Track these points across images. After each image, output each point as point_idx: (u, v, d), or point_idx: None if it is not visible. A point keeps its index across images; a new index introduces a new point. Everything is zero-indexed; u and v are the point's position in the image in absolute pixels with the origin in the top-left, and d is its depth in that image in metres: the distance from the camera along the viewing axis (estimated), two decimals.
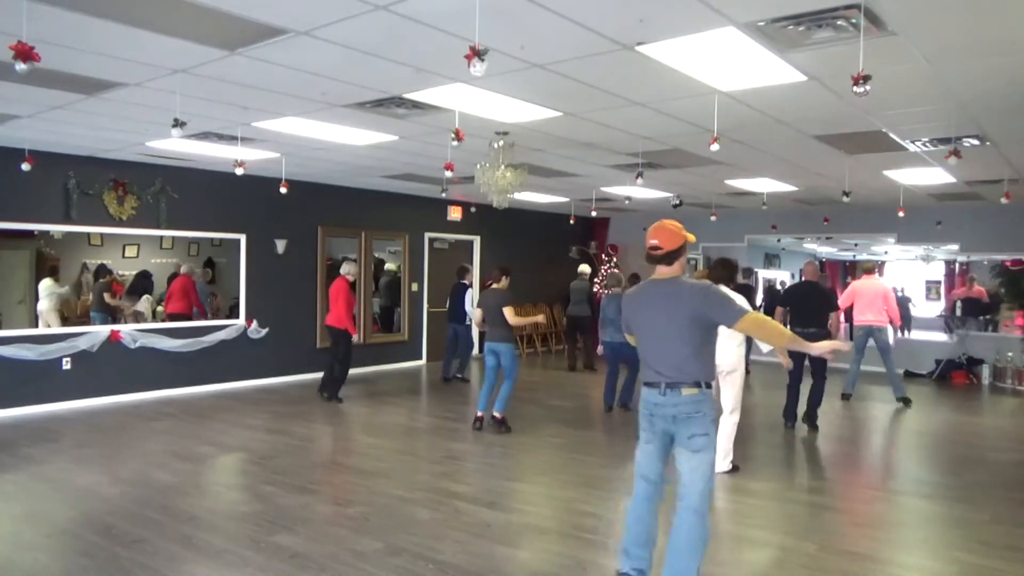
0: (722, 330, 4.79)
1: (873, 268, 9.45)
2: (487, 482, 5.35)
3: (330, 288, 8.48)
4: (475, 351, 11.10)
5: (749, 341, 5.84)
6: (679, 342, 3.23)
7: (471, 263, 12.72)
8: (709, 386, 3.27)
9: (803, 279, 7.92)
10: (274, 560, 3.81)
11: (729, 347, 5.43)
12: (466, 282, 9.99)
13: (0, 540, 4.15)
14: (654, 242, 3.32)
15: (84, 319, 8.86)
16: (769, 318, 3.30)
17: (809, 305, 7.40)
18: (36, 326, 8.21)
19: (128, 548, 3.96)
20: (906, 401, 8.77)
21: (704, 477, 3.20)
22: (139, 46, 4.08)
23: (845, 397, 9.04)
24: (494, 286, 7.26)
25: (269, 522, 4.38)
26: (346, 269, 8.37)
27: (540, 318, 8.08)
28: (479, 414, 7.10)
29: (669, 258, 3.31)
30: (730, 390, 5.62)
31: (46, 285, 8.55)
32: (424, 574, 3.68)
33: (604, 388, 8.17)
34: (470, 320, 9.90)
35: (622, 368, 8.08)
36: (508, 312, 6.87)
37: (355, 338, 8.28)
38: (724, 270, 5.85)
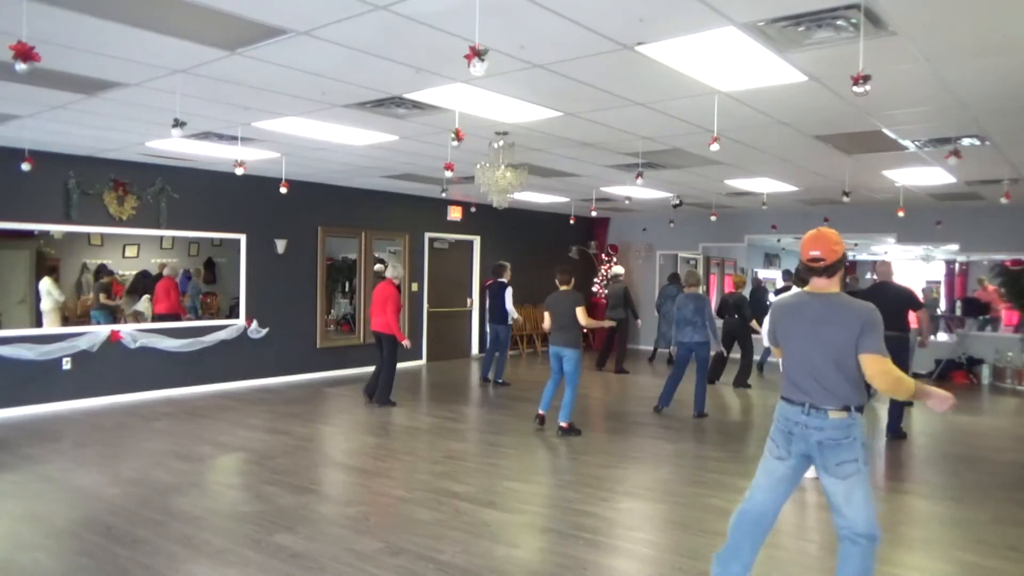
0: None
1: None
2: (487, 482, 5.35)
3: (374, 291, 8.21)
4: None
5: None
6: (833, 363, 3.01)
7: (471, 263, 12.74)
8: (860, 410, 3.05)
9: (877, 279, 7.44)
10: (274, 560, 3.82)
11: None
12: (504, 280, 9.82)
13: (0, 540, 4.15)
14: (815, 253, 3.10)
15: (84, 319, 8.86)
16: (898, 379, 3.01)
17: (885, 307, 6.87)
18: (40, 326, 8.21)
19: (128, 548, 3.96)
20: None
21: (865, 501, 2.98)
22: (139, 46, 4.08)
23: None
24: (563, 288, 7.07)
25: (269, 522, 4.38)
26: (392, 273, 8.13)
27: (607, 323, 8.64)
28: (540, 412, 7.16)
29: (830, 271, 3.10)
30: None
31: (45, 285, 8.55)
32: (424, 574, 3.68)
33: (663, 388, 8.09)
34: (512, 319, 9.85)
35: (687, 371, 8.02)
36: (581, 312, 6.79)
37: (407, 344, 8.13)
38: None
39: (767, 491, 3.20)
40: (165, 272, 9.45)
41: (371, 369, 8.60)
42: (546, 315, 7.14)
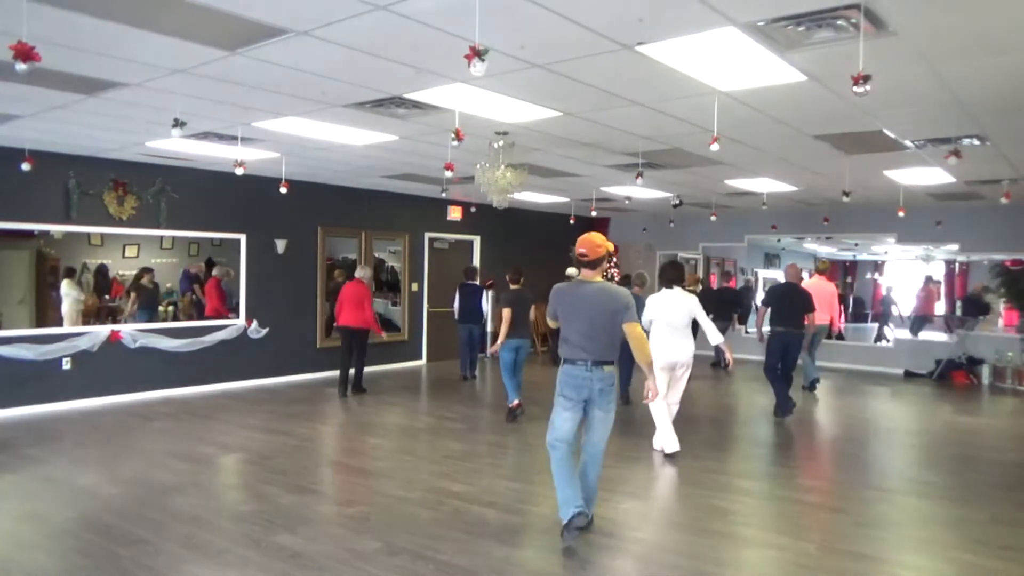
0: (677, 328, 6.09)
1: (826, 269, 9.77)
2: (487, 482, 5.35)
3: (345, 290, 8.72)
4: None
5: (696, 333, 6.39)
6: (604, 331, 4.05)
7: (471, 263, 12.74)
8: (614, 363, 4.13)
9: (786, 280, 8.25)
10: (274, 560, 3.81)
11: (687, 344, 6.06)
12: (476, 282, 10.11)
13: (0, 540, 4.15)
14: (582, 251, 4.13)
15: (85, 319, 8.84)
16: (643, 338, 4.14)
17: (787, 306, 7.72)
18: (44, 325, 8.16)
19: (128, 548, 3.96)
20: (811, 387, 9.42)
21: (609, 429, 4.17)
22: (139, 46, 4.09)
23: (810, 388, 9.47)
24: (514, 287, 7.58)
25: (269, 522, 4.38)
26: (360, 273, 8.85)
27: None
28: (517, 402, 7.47)
29: (593, 265, 4.15)
30: (682, 383, 6.20)
31: (67, 286, 8.53)
32: (424, 574, 3.68)
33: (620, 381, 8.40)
34: (487, 319, 10.02)
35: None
36: (534, 311, 7.35)
37: (384, 336, 9.02)
38: (674, 271, 6.25)
39: (570, 433, 4.11)
40: (215, 273, 9.52)
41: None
42: (506, 312, 7.40)
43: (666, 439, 6.05)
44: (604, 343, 4.05)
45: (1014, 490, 5.38)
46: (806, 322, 7.77)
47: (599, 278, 4.19)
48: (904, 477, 5.88)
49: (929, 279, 14.32)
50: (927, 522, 4.78)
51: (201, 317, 9.28)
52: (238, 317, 9.40)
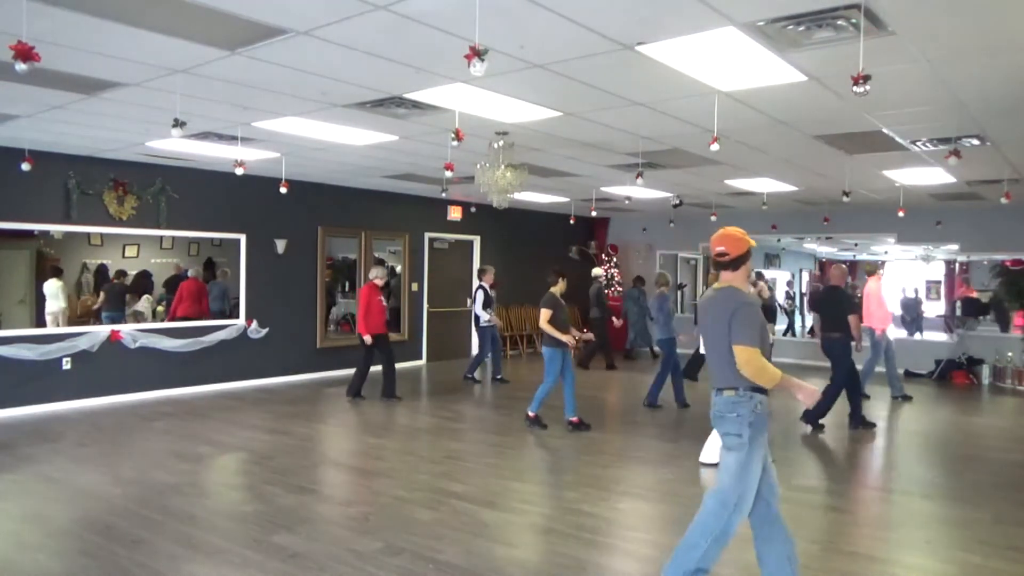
0: None
1: (873, 271, 9.48)
2: (487, 482, 5.35)
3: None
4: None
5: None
6: (717, 348, 3.29)
7: (471, 263, 12.74)
8: (755, 391, 3.22)
9: (829, 283, 7.81)
10: (274, 560, 3.81)
11: None
12: (480, 282, 10.11)
13: (0, 540, 4.15)
14: (721, 248, 3.33)
15: (84, 319, 8.85)
16: (755, 362, 3.16)
17: (832, 310, 7.38)
18: (44, 326, 8.18)
19: (128, 548, 3.96)
20: (905, 398, 9.04)
21: (736, 475, 3.21)
22: (139, 46, 4.08)
23: (866, 397, 8.84)
24: (551, 289, 7.28)
25: (269, 522, 4.38)
26: (373, 273, 8.51)
27: (569, 340, 7.29)
28: (571, 419, 7.11)
29: (735, 264, 3.33)
30: None
31: (53, 286, 8.53)
32: (424, 574, 3.68)
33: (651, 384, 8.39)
34: (484, 322, 10.00)
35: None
36: (542, 315, 7.03)
37: (367, 339, 8.21)
38: None
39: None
40: (190, 274, 9.48)
41: (371, 369, 8.59)
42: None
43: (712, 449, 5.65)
44: (719, 362, 3.29)
45: (1017, 490, 5.37)
46: (851, 325, 7.25)
47: (739, 282, 3.35)
48: (906, 477, 5.88)
49: (968, 279, 14.13)
50: (929, 522, 4.77)
51: (171, 318, 9.21)
52: (222, 317, 9.38)
